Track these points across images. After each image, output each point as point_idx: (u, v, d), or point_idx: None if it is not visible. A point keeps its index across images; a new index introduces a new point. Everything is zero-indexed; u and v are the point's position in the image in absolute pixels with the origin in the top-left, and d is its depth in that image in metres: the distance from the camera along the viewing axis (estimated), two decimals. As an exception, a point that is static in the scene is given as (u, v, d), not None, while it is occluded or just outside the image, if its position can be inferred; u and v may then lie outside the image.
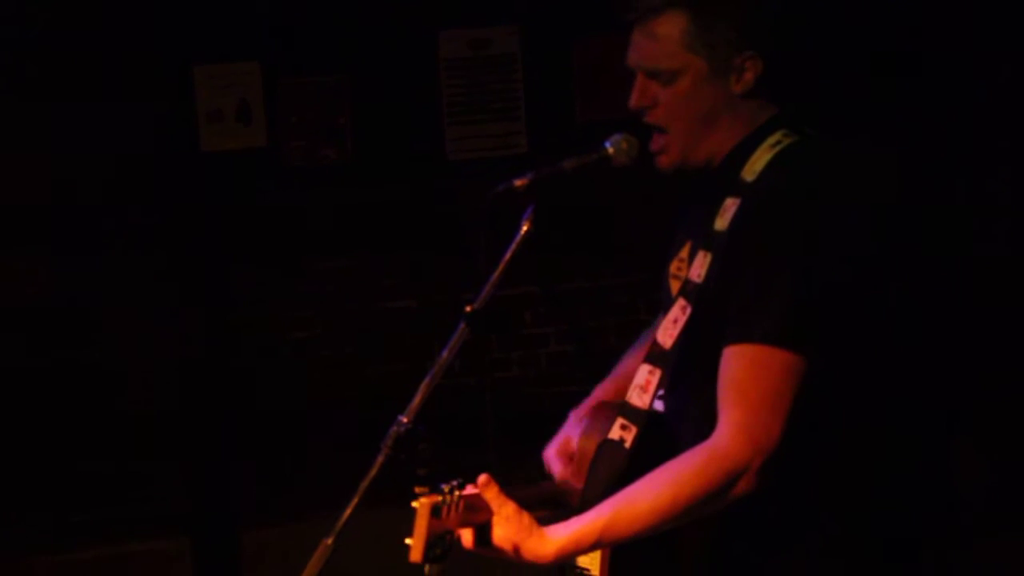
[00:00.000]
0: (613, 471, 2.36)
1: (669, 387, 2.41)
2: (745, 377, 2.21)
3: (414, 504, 2.12)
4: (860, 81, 5.76)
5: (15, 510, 5.24)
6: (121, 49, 5.35)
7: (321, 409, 5.67)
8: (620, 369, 2.70)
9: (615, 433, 2.39)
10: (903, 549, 2.39)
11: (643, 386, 2.39)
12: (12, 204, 5.37)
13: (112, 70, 5.37)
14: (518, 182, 2.37)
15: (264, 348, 5.68)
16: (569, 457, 2.57)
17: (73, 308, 5.46)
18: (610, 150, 2.44)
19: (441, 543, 2.14)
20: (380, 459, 2.19)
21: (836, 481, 2.32)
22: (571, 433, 2.59)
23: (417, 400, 2.23)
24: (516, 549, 2.22)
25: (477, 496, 2.22)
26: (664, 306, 2.49)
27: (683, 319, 2.35)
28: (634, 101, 2.38)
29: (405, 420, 2.21)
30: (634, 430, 2.37)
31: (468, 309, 2.29)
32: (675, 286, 2.44)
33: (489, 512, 2.22)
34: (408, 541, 2.12)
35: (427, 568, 2.14)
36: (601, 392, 2.70)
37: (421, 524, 2.11)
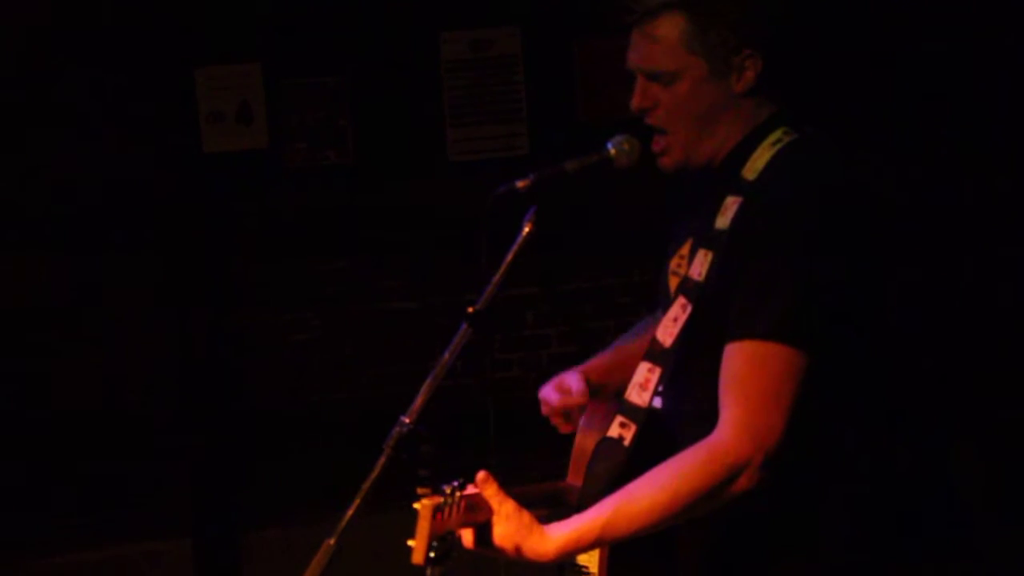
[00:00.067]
0: (612, 469, 2.36)
1: (668, 385, 2.41)
2: (746, 373, 2.21)
3: (416, 505, 2.12)
4: (863, 79, 5.76)
5: (15, 511, 5.23)
6: (122, 50, 5.35)
7: (322, 410, 5.68)
8: (617, 349, 2.70)
9: (614, 431, 2.39)
10: (902, 549, 2.39)
11: (642, 384, 2.39)
12: (12, 204, 5.37)
13: (113, 71, 5.36)
14: (520, 183, 2.37)
15: (265, 349, 5.68)
16: (564, 390, 2.58)
17: (73, 308, 5.45)
18: (612, 151, 2.44)
19: (443, 544, 2.14)
20: (382, 460, 2.19)
21: (835, 481, 2.32)
22: (565, 375, 2.61)
23: (419, 401, 2.23)
24: (517, 548, 2.22)
25: (477, 495, 2.22)
26: (662, 302, 2.49)
27: (683, 318, 2.35)
28: (635, 103, 2.38)
29: (407, 421, 2.22)
30: (633, 428, 2.37)
31: (470, 310, 2.29)
32: (674, 282, 2.44)
33: (489, 511, 2.22)
34: (410, 543, 2.12)
35: (429, 570, 2.14)
36: (596, 362, 2.69)
37: (423, 526, 2.10)
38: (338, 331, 5.74)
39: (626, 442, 2.37)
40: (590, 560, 2.37)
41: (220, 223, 5.56)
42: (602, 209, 5.56)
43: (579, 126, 5.69)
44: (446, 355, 2.27)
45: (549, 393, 2.64)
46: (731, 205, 2.31)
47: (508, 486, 2.26)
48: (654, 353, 2.39)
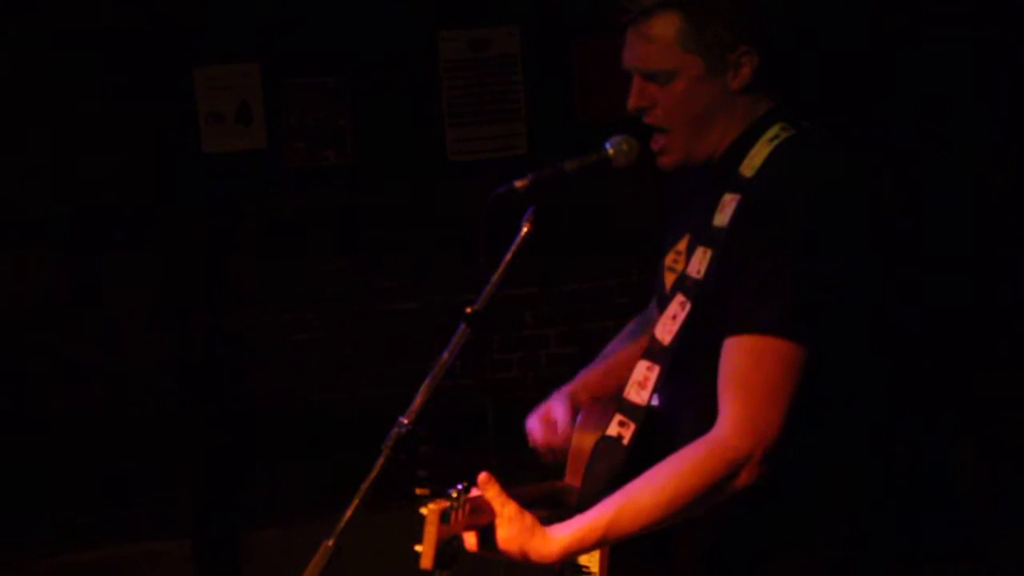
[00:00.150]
0: (611, 468, 2.36)
1: (666, 382, 2.40)
2: (745, 368, 2.21)
3: (422, 510, 2.12)
4: (863, 79, 5.76)
5: (15, 512, 5.23)
6: (122, 50, 5.35)
7: (322, 410, 5.67)
8: (609, 357, 2.69)
9: (613, 429, 2.39)
10: (902, 549, 2.39)
11: (641, 382, 2.39)
12: (12, 204, 5.37)
13: (113, 71, 5.36)
14: (518, 183, 2.38)
15: (264, 349, 5.68)
16: (549, 424, 2.58)
17: (73, 308, 5.45)
18: (610, 151, 2.44)
19: (450, 548, 2.14)
20: (381, 460, 2.20)
21: (834, 478, 2.32)
22: (553, 404, 2.60)
23: (418, 401, 2.24)
24: (520, 550, 2.22)
25: (480, 498, 2.22)
26: (658, 297, 2.49)
27: (682, 315, 2.35)
28: (632, 103, 2.39)
29: (406, 421, 2.22)
30: (632, 426, 2.38)
31: (468, 310, 2.29)
32: (670, 279, 2.44)
33: (491, 514, 2.22)
34: (417, 548, 2.12)
35: (437, 574, 2.14)
36: (587, 378, 2.70)
37: (431, 531, 2.11)
38: (338, 331, 5.74)
39: (625, 441, 2.37)
40: (591, 560, 2.37)
41: (220, 223, 5.56)
42: (601, 209, 5.55)
43: (578, 126, 5.69)
44: (445, 355, 2.27)
45: (534, 426, 2.64)
46: (729, 202, 2.31)
47: (507, 487, 2.26)
48: (653, 351, 2.39)
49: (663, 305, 2.41)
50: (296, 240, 5.65)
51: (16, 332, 5.40)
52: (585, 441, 2.45)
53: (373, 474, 2.18)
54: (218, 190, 5.53)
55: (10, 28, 5.31)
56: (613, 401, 2.45)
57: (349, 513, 2.18)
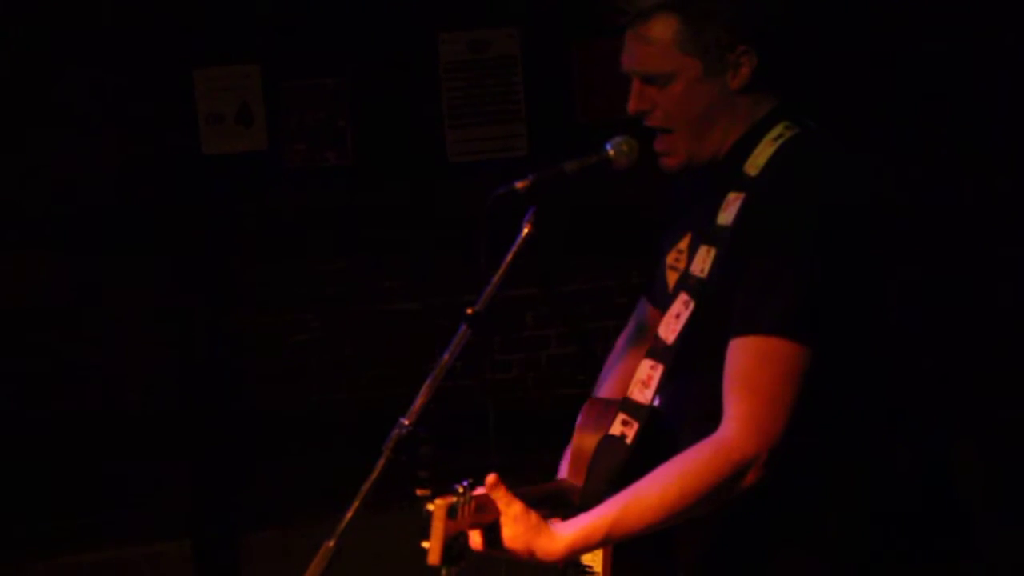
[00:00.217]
0: (614, 467, 2.35)
1: (669, 381, 2.40)
2: (751, 369, 2.21)
3: (429, 506, 2.12)
4: (863, 79, 5.76)
5: (15, 513, 5.23)
6: (122, 50, 5.35)
7: (322, 411, 5.68)
8: (607, 377, 2.68)
9: (616, 429, 2.39)
10: (903, 549, 2.39)
11: (645, 381, 2.39)
12: (12, 204, 5.37)
13: (113, 71, 5.36)
14: (519, 184, 2.37)
15: (265, 350, 5.68)
16: None
17: (73, 308, 5.45)
18: (611, 152, 2.44)
19: (457, 544, 2.14)
20: (381, 461, 2.20)
21: (834, 478, 2.32)
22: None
23: (418, 402, 2.24)
24: (526, 548, 2.22)
25: (485, 496, 2.23)
26: (659, 296, 2.48)
27: (686, 314, 2.34)
28: (632, 106, 2.38)
29: (406, 422, 2.22)
30: (635, 426, 2.37)
31: (469, 311, 2.29)
32: (672, 277, 2.44)
33: (496, 512, 2.23)
34: (425, 544, 2.12)
35: (444, 571, 2.14)
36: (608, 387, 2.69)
37: (438, 526, 2.11)
38: (338, 331, 5.74)
39: (628, 440, 2.37)
40: (594, 560, 2.37)
41: (220, 224, 5.56)
42: (601, 210, 5.55)
43: (578, 127, 5.69)
44: (445, 356, 2.28)
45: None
46: (733, 201, 2.30)
47: (511, 487, 2.26)
48: (656, 350, 2.39)
49: (666, 304, 2.41)
50: (296, 241, 5.65)
51: (16, 332, 5.40)
52: (587, 440, 2.44)
53: (374, 475, 2.18)
54: (218, 191, 5.53)
55: (10, 28, 5.31)
56: (615, 400, 2.46)
57: (350, 514, 2.18)
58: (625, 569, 2.36)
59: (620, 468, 2.34)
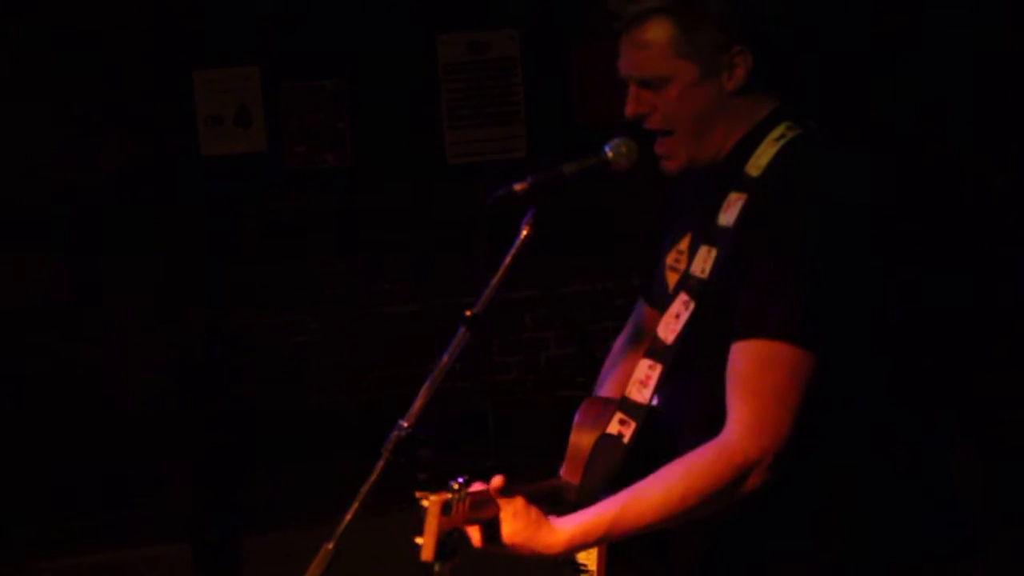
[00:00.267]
0: (611, 466, 2.36)
1: (667, 382, 2.40)
2: (754, 373, 2.21)
3: (424, 503, 2.12)
4: (863, 80, 5.76)
5: (15, 513, 5.23)
6: (122, 53, 5.35)
7: (321, 413, 5.67)
8: (605, 379, 2.69)
9: (613, 428, 2.39)
10: (903, 549, 2.39)
11: (643, 381, 2.39)
12: (12, 204, 5.37)
13: (112, 74, 5.36)
14: (518, 186, 2.37)
15: (264, 351, 5.68)
16: None
17: (73, 308, 5.45)
18: (609, 154, 2.43)
19: (450, 540, 2.14)
20: (381, 463, 2.20)
21: (833, 479, 2.32)
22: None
23: (418, 404, 2.24)
24: (527, 542, 2.23)
25: (483, 492, 2.23)
26: (657, 296, 2.48)
27: (686, 315, 2.34)
28: (630, 110, 2.38)
29: (405, 424, 2.22)
30: (633, 425, 2.37)
31: (468, 313, 2.29)
32: (672, 278, 2.43)
33: (495, 508, 2.23)
34: (418, 540, 2.12)
35: (438, 566, 2.14)
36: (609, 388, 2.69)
37: (432, 522, 2.11)
38: (337, 333, 5.74)
39: (625, 439, 2.37)
40: (588, 558, 2.37)
41: (219, 226, 5.56)
42: (600, 212, 5.55)
43: (577, 129, 5.68)
44: (444, 358, 2.28)
45: None
46: (735, 202, 2.30)
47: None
48: (655, 350, 2.39)
49: (665, 304, 2.41)
50: (296, 242, 5.65)
51: (16, 332, 5.40)
52: (584, 439, 2.44)
53: (373, 477, 2.19)
54: (218, 192, 5.53)
55: (10, 28, 5.31)
56: (613, 399, 2.45)
57: (349, 516, 2.18)
58: (620, 567, 2.37)
59: (617, 467, 2.34)
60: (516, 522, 2.23)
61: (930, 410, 5.18)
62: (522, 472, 2.57)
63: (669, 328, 2.37)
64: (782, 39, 2.37)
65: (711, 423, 2.25)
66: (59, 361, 5.44)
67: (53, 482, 5.33)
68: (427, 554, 2.12)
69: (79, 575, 5.14)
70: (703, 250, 2.33)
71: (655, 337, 2.39)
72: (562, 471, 2.47)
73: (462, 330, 2.28)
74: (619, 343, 2.69)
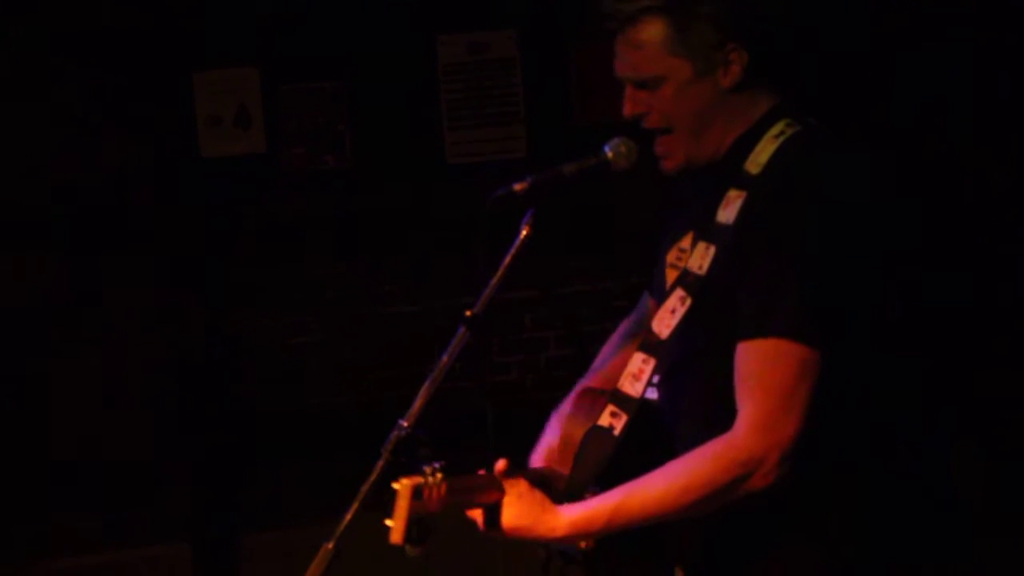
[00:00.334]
0: (600, 458, 2.36)
1: (664, 379, 2.41)
2: (759, 372, 2.21)
3: (395, 485, 2.14)
4: (863, 79, 5.76)
5: (15, 513, 5.23)
6: (122, 51, 5.35)
7: (321, 413, 5.67)
8: (603, 364, 2.70)
9: (604, 420, 2.40)
10: (903, 549, 2.39)
11: (636, 374, 2.39)
12: (12, 204, 5.37)
13: (113, 72, 5.37)
14: (517, 186, 2.38)
15: (264, 352, 5.68)
16: (550, 452, 2.59)
17: (73, 308, 5.45)
18: (609, 154, 2.44)
19: (423, 525, 2.15)
20: (380, 463, 2.21)
21: (833, 478, 2.31)
22: (548, 433, 2.59)
23: (417, 404, 2.25)
24: (530, 524, 2.25)
25: (485, 477, 2.25)
26: (657, 294, 2.48)
27: (682, 310, 2.34)
28: (627, 110, 2.38)
29: (405, 424, 2.23)
30: (624, 418, 2.38)
31: (468, 313, 2.30)
32: (672, 275, 2.43)
33: (498, 493, 2.25)
34: (388, 522, 2.13)
35: (408, 548, 2.15)
36: (600, 376, 2.70)
37: (402, 505, 2.13)
38: (337, 334, 5.74)
39: (616, 432, 2.37)
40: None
41: (219, 227, 5.57)
42: (600, 211, 5.55)
43: (576, 129, 5.68)
44: (444, 358, 2.28)
45: (536, 463, 2.62)
46: (734, 199, 2.29)
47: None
48: (649, 344, 2.40)
49: (662, 300, 2.41)
50: (295, 244, 5.65)
51: (16, 332, 5.40)
52: (576, 430, 2.45)
53: (372, 477, 2.19)
54: (217, 194, 5.54)
55: (10, 28, 5.31)
56: (606, 391, 2.46)
57: (349, 516, 2.19)
58: (622, 562, 2.37)
59: (606, 460, 2.35)
60: (521, 504, 2.25)
61: (930, 409, 5.18)
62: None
63: (664, 323, 2.37)
64: (777, 36, 2.37)
65: (708, 420, 2.26)
66: (59, 361, 5.44)
67: (53, 482, 5.33)
68: (396, 537, 2.13)
69: (79, 575, 5.15)
70: (701, 246, 2.33)
71: (650, 331, 2.40)
72: (542, 460, 2.47)
73: (462, 330, 2.30)
74: (621, 329, 2.71)
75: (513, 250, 2.34)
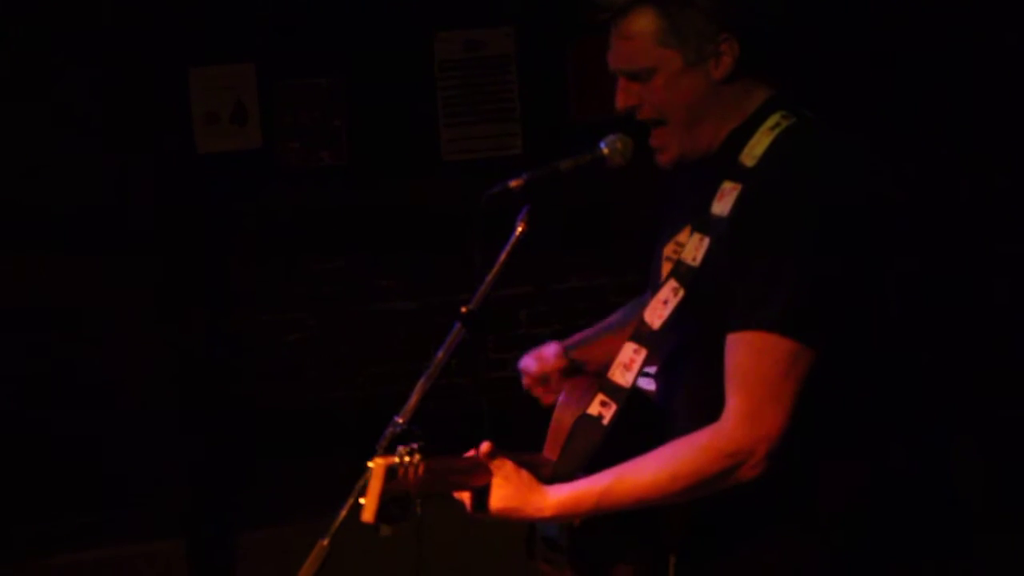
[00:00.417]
0: (588, 446, 2.36)
1: (661, 370, 2.41)
2: (748, 364, 2.21)
3: (369, 464, 2.14)
4: (860, 76, 5.76)
5: (15, 512, 5.24)
6: (121, 50, 5.36)
7: (317, 410, 5.67)
8: (600, 329, 2.70)
9: (594, 408, 2.40)
10: (901, 547, 2.39)
11: (627, 364, 2.39)
12: (12, 204, 5.37)
13: (112, 71, 5.37)
14: (513, 183, 2.38)
15: (261, 349, 5.68)
16: (542, 358, 2.63)
17: (73, 308, 5.45)
18: (605, 150, 2.44)
19: (397, 505, 2.15)
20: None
21: (832, 477, 2.31)
22: (544, 345, 2.66)
23: (412, 401, 2.26)
24: (518, 504, 2.26)
25: (471, 459, 2.26)
26: (652, 287, 2.48)
27: (674, 301, 2.34)
28: (619, 103, 2.38)
29: (400, 421, 2.23)
30: (613, 407, 2.38)
31: (463, 310, 2.30)
32: (667, 268, 2.43)
33: (485, 476, 2.26)
34: (361, 500, 2.14)
35: (381, 528, 2.15)
36: (585, 339, 2.75)
37: (375, 484, 2.13)
38: (334, 331, 5.74)
39: (605, 421, 2.37)
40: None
41: (216, 223, 5.57)
42: (596, 208, 5.55)
43: (572, 125, 5.69)
44: (440, 355, 2.29)
45: (528, 363, 2.67)
46: (730, 191, 2.29)
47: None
48: (641, 334, 2.40)
49: (656, 291, 2.41)
50: (292, 240, 5.65)
51: (16, 332, 5.40)
52: (566, 417, 2.46)
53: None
54: (214, 190, 5.54)
55: (10, 28, 5.31)
56: (596, 379, 2.46)
57: (344, 513, 2.19)
58: (611, 549, 2.37)
59: (594, 448, 2.35)
60: (508, 485, 2.26)
61: (929, 407, 5.18)
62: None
63: (656, 314, 2.37)
64: (770, 28, 2.36)
65: (700, 411, 2.26)
66: (59, 361, 5.44)
67: (53, 481, 5.33)
68: (367, 515, 2.13)
69: (78, 572, 5.15)
70: (695, 238, 2.33)
71: (642, 321, 2.40)
72: (544, 448, 2.49)
73: (457, 326, 2.30)
74: (619, 313, 2.71)
75: (509, 246, 2.35)
